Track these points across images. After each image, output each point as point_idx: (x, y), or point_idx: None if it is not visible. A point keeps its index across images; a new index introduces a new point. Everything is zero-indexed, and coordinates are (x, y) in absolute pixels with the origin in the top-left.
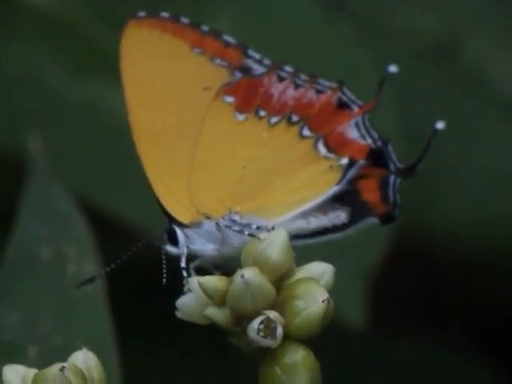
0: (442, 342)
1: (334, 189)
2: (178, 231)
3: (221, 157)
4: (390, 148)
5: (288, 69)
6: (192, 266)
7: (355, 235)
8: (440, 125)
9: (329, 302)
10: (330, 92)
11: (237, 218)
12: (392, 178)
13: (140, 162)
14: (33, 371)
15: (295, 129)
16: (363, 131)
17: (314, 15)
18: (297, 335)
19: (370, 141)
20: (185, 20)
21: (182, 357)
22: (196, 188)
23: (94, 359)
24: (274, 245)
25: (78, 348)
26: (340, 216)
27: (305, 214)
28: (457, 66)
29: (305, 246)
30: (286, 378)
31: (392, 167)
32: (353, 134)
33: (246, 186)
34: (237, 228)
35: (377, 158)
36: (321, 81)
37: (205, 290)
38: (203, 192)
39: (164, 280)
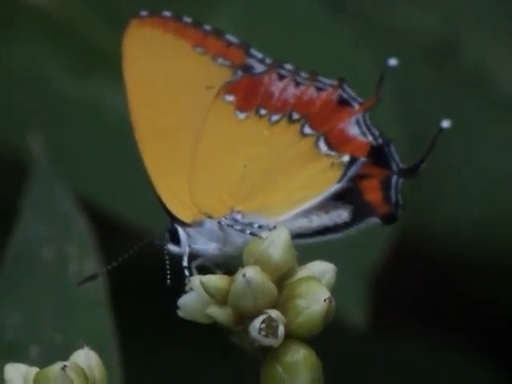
0: (442, 342)
1: (335, 187)
2: (180, 230)
3: (222, 156)
4: (393, 148)
5: (288, 67)
6: (194, 264)
7: (357, 235)
8: (445, 123)
9: (330, 301)
10: (330, 89)
11: (239, 217)
12: (394, 178)
13: (141, 161)
14: (34, 370)
15: (296, 127)
16: (364, 128)
17: (314, 15)
18: (298, 334)
19: (370, 138)
20: (187, 19)
21: (183, 356)
22: (197, 187)
23: (95, 358)
24: (276, 244)
25: (80, 347)
26: (342, 215)
27: (306, 213)
28: (457, 66)
29: (306, 245)
30: (288, 378)
31: (394, 167)
32: (353, 131)
33: (248, 184)
34: (239, 227)
35: (379, 157)
36: (321, 78)
37: (206, 289)
38: (205, 191)
39: (168, 281)
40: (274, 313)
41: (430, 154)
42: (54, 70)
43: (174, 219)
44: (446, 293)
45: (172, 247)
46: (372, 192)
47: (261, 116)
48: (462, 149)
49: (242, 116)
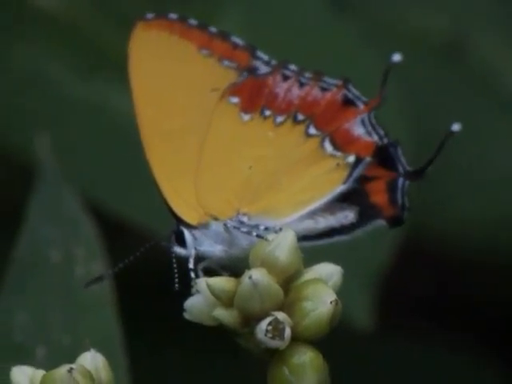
0: (449, 342)
1: (340, 187)
2: (186, 232)
3: (227, 158)
4: (399, 150)
5: (292, 67)
6: (200, 267)
7: (363, 237)
8: (455, 127)
9: (337, 304)
10: (335, 89)
11: (245, 219)
12: (401, 180)
13: (147, 163)
14: (41, 372)
15: (301, 127)
16: (369, 128)
17: (319, 15)
18: (305, 336)
19: (376, 137)
20: (193, 21)
21: (189, 358)
22: (203, 189)
23: (102, 360)
24: (282, 246)
25: (86, 349)
26: (348, 216)
27: (312, 214)
28: (464, 66)
29: (313, 247)
30: (295, 380)
31: (401, 170)
32: (359, 131)
33: (253, 186)
34: (245, 229)
35: (385, 159)
36: (326, 78)
37: (213, 291)
38: (210, 193)
39: (176, 285)
40: (281, 315)
41: (436, 157)
42: (60, 71)
43: (179, 221)
44: (454, 293)
45: (178, 249)
46: (378, 194)
47: (265, 117)
48: (470, 149)
49: (246, 117)
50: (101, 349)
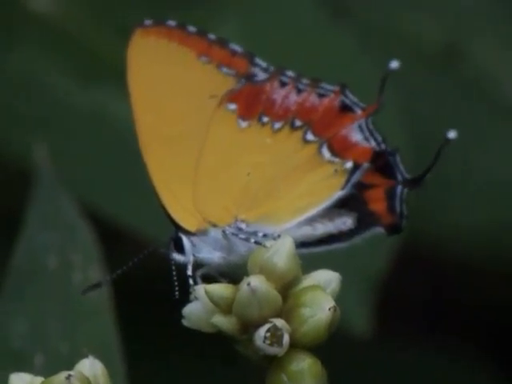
0: (447, 348)
1: (338, 193)
2: (185, 239)
3: (225, 164)
4: (398, 158)
5: (290, 74)
6: (198, 273)
7: (361, 243)
8: (452, 134)
9: (335, 310)
10: (332, 95)
11: (243, 225)
12: (399, 188)
13: (146, 170)
14: (39, 379)
15: (299, 134)
16: (367, 134)
17: (317, 22)
18: (303, 343)
19: (373, 143)
20: (192, 28)
21: (187, 364)
22: (202, 196)
23: (100, 367)
24: (281, 253)
25: (85, 356)
26: (347, 222)
27: (311, 221)
28: (461, 72)
29: (311, 254)
30: None
31: (399, 177)
32: (356, 137)
33: (252, 193)
34: (243, 236)
35: (383, 167)
36: (323, 84)
37: (211, 298)
38: (209, 199)
39: (176, 294)
40: (279, 322)
41: (434, 165)
42: (59, 78)
43: (178, 228)
44: (450, 298)
45: (176, 256)
46: (377, 202)
47: (263, 124)
48: (467, 154)
49: (244, 124)
50: (99, 355)
